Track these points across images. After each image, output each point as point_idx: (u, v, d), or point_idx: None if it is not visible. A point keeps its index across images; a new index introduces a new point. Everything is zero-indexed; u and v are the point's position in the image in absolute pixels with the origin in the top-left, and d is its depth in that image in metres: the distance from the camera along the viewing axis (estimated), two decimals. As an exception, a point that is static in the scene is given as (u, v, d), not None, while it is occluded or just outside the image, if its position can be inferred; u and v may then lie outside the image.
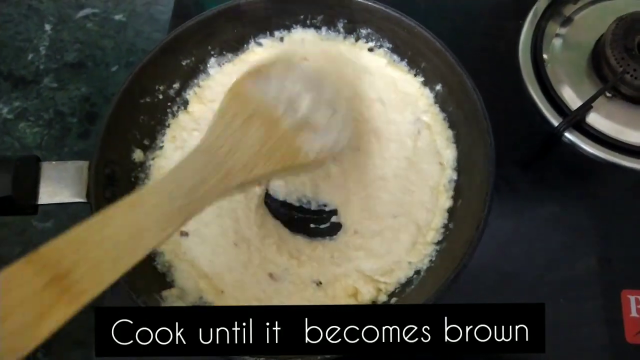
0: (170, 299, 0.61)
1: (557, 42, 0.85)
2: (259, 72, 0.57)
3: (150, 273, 0.64)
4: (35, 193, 0.60)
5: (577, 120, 0.77)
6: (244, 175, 0.49)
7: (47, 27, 0.99)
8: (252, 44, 0.78)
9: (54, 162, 0.62)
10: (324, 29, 0.77)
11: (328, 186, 0.71)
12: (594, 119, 0.78)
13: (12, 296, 0.37)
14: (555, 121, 0.78)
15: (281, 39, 0.78)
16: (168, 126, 0.74)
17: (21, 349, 0.35)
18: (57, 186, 0.61)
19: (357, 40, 0.77)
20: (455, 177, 0.70)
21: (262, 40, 0.78)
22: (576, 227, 0.74)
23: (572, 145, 0.77)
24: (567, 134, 0.77)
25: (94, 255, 0.40)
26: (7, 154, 0.89)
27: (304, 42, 0.78)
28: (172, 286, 0.64)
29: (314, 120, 0.56)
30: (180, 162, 0.49)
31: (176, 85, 0.74)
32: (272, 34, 0.78)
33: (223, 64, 0.77)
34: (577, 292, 0.70)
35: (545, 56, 0.83)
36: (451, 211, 0.68)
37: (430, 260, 0.66)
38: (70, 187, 0.61)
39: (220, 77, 0.76)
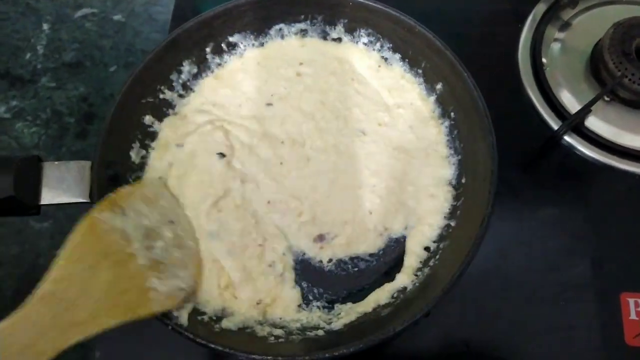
0: None
1: (556, 47, 0.86)
2: (115, 205, 0.55)
3: None
4: (37, 193, 0.60)
5: (576, 124, 0.77)
6: (88, 327, 0.47)
7: (45, 26, 0.99)
8: (252, 44, 0.78)
9: (55, 163, 0.62)
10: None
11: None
12: (593, 123, 0.79)
13: None
14: (554, 124, 0.79)
15: (282, 37, 0.79)
16: (170, 126, 0.73)
17: None
18: (60, 186, 0.61)
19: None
20: (456, 175, 0.70)
21: (261, 40, 0.78)
22: (575, 229, 0.74)
23: (570, 148, 0.78)
24: (566, 137, 0.78)
25: None
26: (4, 153, 0.88)
27: (304, 45, 0.79)
28: None
29: (167, 258, 0.54)
30: (17, 313, 0.44)
31: (177, 85, 0.74)
32: (270, 35, 0.78)
33: (223, 63, 0.77)
34: (577, 295, 0.70)
35: (544, 60, 0.84)
36: (453, 209, 0.68)
37: (434, 258, 0.66)
38: (73, 187, 0.61)
39: (221, 76, 0.77)
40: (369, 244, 0.69)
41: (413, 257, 0.67)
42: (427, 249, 0.67)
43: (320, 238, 0.68)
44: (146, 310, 0.51)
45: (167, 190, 0.63)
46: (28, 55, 0.96)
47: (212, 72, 0.77)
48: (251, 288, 0.65)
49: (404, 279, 0.66)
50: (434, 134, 0.73)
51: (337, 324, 0.62)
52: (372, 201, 0.70)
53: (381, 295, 0.65)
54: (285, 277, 0.67)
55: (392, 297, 0.64)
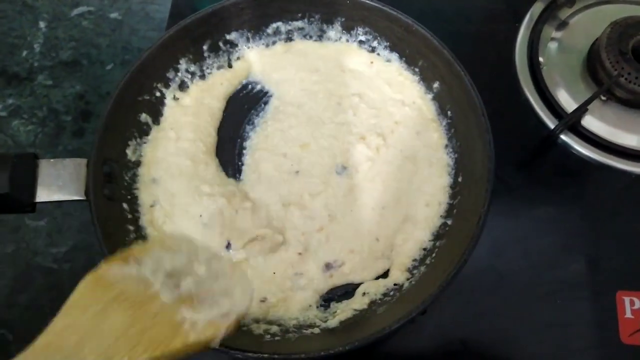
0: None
1: (553, 46, 0.86)
2: (128, 258, 0.51)
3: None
4: (32, 191, 0.60)
5: (572, 123, 0.77)
6: None
7: (42, 24, 0.98)
8: (248, 44, 0.78)
9: (51, 160, 0.61)
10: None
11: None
12: (589, 122, 0.79)
13: None
14: (550, 123, 0.79)
15: (275, 33, 0.79)
16: (165, 123, 0.73)
17: None
18: (55, 184, 0.60)
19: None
20: (453, 174, 0.70)
21: (258, 40, 0.79)
22: (571, 228, 0.74)
23: (567, 147, 0.78)
24: (562, 136, 0.78)
25: None
26: (0, 151, 0.87)
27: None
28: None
29: (202, 290, 0.50)
30: None
31: (173, 84, 0.74)
32: (268, 33, 0.78)
33: (220, 62, 0.78)
34: (573, 293, 0.70)
35: (541, 59, 0.84)
36: (449, 208, 0.68)
37: (430, 256, 0.66)
38: (69, 184, 0.60)
39: (219, 74, 0.77)
40: (376, 270, 0.67)
41: (402, 256, 0.67)
42: (424, 249, 0.67)
43: (328, 267, 0.67)
44: (182, 341, 0.47)
45: (190, 240, 0.57)
46: (25, 53, 0.96)
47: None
48: (259, 284, 0.65)
49: (397, 275, 0.66)
50: (435, 139, 0.73)
51: (333, 322, 0.62)
52: (379, 225, 0.68)
53: (371, 287, 0.65)
54: (306, 288, 0.66)
55: (388, 294, 0.64)
